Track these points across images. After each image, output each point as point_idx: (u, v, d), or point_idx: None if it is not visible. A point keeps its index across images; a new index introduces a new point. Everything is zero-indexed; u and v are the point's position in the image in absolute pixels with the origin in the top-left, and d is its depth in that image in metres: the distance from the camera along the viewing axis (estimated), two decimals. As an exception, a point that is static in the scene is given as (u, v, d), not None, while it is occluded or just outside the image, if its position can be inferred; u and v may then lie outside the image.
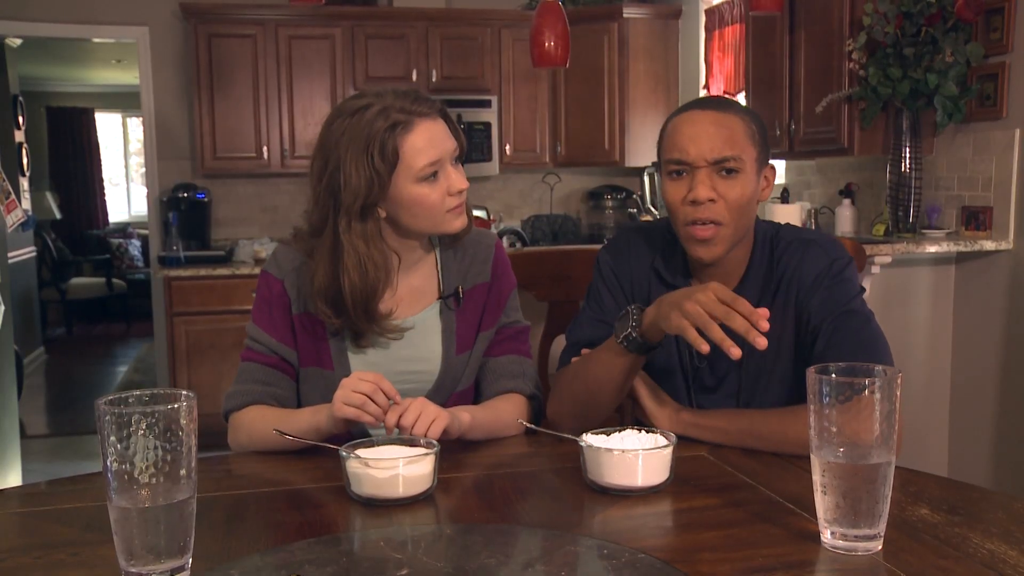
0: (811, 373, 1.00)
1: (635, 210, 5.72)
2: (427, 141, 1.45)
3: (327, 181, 1.46)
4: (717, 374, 1.54)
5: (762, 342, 1.21)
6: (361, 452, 1.19)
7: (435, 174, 1.46)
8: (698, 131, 1.43)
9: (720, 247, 1.44)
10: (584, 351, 1.52)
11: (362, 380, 1.33)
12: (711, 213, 1.42)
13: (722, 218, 1.43)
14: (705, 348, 1.25)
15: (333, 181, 1.45)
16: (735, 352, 1.23)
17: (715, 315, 1.24)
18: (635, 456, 1.18)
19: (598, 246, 1.75)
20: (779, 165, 4.78)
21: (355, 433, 1.40)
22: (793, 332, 1.49)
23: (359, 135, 1.43)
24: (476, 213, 4.46)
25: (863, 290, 1.50)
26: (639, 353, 1.40)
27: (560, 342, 1.69)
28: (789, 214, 4.06)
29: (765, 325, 1.22)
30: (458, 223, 1.51)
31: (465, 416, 1.40)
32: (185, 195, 5.23)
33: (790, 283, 1.49)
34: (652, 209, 5.62)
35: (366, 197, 1.44)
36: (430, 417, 1.32)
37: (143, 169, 6.69)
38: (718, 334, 1.23)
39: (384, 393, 1.33)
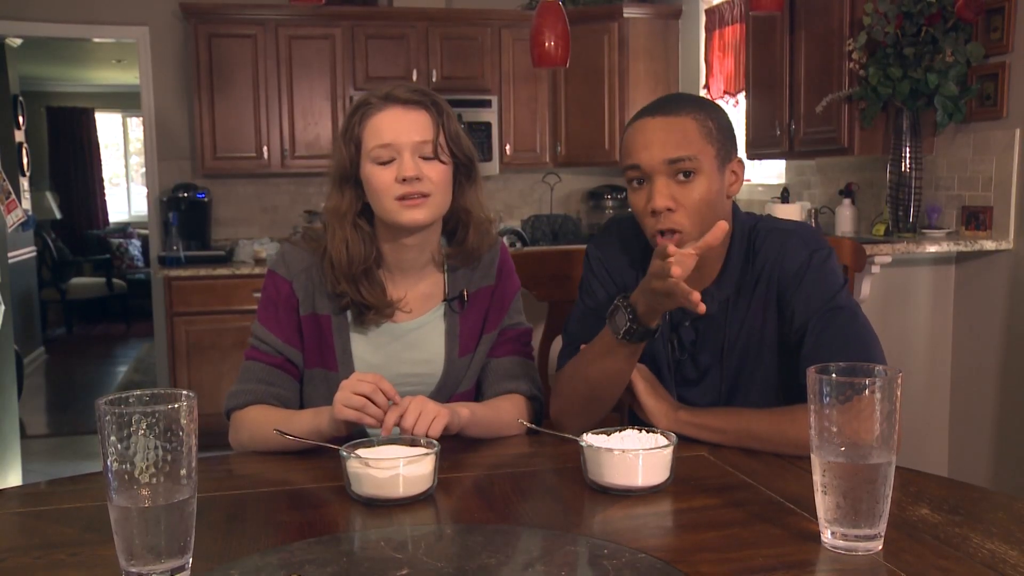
0: (811, 373, 1.00)
1: (635, 210, 5.71)
2: (387, 124, 1.48)
3: None
4: (699, 367, 1.54)
5: (676, 272, 1.26)
6: (361, 452, 1.19)
7: (390, 159, 1.47)
8: (649, 138, 1.43)
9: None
10: (583, 347, 1.52)
11: (361, 381, 1.33)
12: (671, 223, 1.42)
13: (682, 226, 1.42)
14: (701, 308, 1.27)
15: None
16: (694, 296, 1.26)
17: (668, 274, 1.27)
18: (635, 456, 1.18)
19: (599, 246, 1.74)
20: (779, 165, 4.79)
21: (355, 434, 1.40)
22: (776, 325, 1.49)
23: (347, 116, 1.54)
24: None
25: (846, 281, 1.50)
26: (640, 341, 1.39)
27: (560, 342, 1.69)
28: (789, 214, 4.06)
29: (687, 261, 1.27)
30: (408, 215, 1.47)
31: (464, 412, 1.41)
32: (185, 195, 5.23)
33: (770, 275, 1.48)
34: (652, 209, 5.62)
35: (336, 171, 1.53)
36: (430, 416, 1.32)
37: (143, 169, 6.69)
38: (683, 289, 1.26)
39: (384, 393, 1.33)
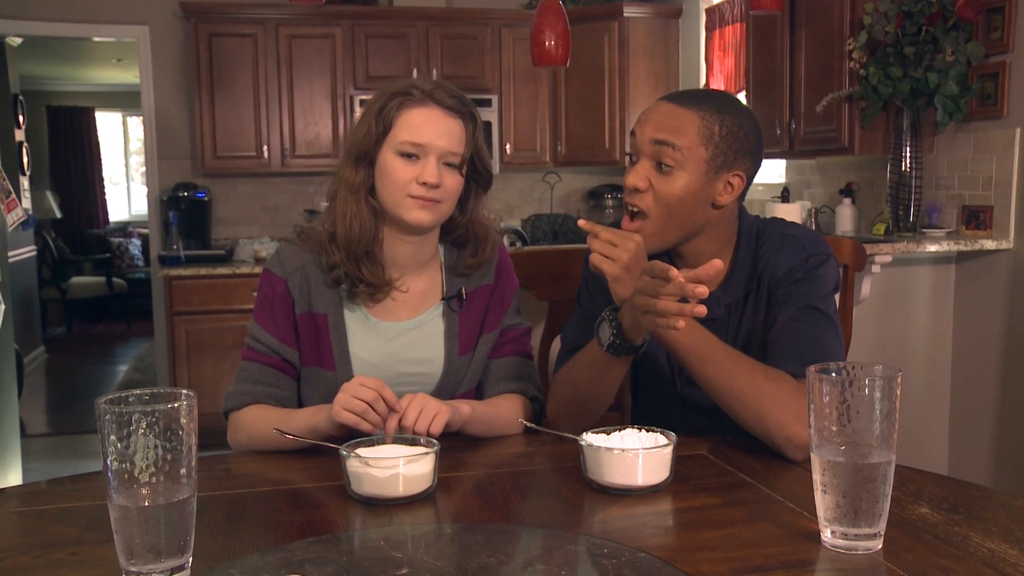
0: (811, 372, 1.00)
1: (635, 209, 5.72)
2: (423, 123, 1.47)
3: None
4: None
5: (702, 290, 1.20)
6: (361, 451, 1.19)
7: (415, 156, 1.47)
8: (650, 116, 1.45)
9: (648, 242, 1.42)
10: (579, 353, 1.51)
11: (363, 387, 1.32)
12: (636, 200, 1.43)
13: (647, 208, 1.42)
14: (682, 324, 1.23)
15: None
16: (699, 310, 1.21)
17: (657, 295, 1.23)
18: (635, 455, 1.18)
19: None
20: (779, 164, 4.78)
21: (354, 433, 1.39)
22: (766, 325, 1.48)
23: (380, 95, 1.51)
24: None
25: (836, 289, 1.49)
26: (624, 355, 1.39)
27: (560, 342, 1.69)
28: (789, 213, 4.06)
29: (703, 290, 1.20)
30: (415, 215, 1.48)
31: (465, 408, 1.41)
32: (185, 194, 5.23)
33: (762, 275, 1.48)
34: (652, 208, 5.62)
35: (357, 146, 1.51)
36: (431, 414, 1.32)
37: (143, 168, 6.69)
38: (674, 308, 1.22)
39: (385, 401, 1.32)
